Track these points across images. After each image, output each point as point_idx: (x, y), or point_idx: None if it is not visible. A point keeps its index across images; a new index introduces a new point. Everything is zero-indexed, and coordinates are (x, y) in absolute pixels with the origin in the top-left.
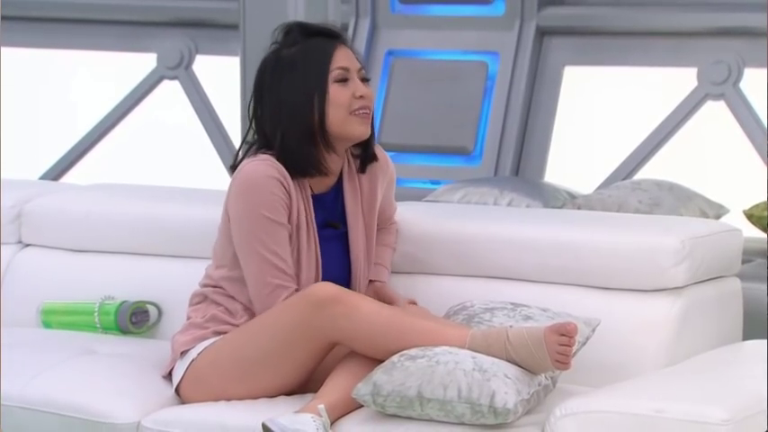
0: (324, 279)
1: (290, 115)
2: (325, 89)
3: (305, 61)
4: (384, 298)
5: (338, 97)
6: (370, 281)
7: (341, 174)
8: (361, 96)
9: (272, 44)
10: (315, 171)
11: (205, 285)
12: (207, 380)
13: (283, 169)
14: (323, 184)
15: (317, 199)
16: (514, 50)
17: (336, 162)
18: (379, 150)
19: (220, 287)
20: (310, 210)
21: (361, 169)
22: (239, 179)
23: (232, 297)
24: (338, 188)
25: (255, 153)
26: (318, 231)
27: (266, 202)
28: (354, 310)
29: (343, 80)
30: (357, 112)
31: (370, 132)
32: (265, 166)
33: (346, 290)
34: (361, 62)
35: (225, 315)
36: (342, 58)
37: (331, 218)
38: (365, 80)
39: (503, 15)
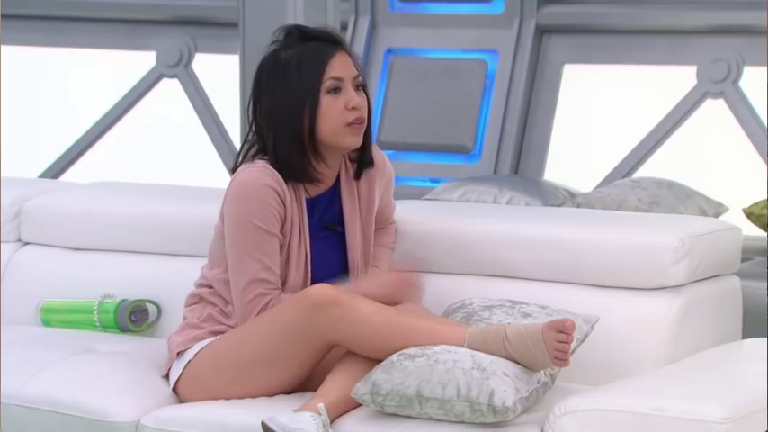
0: (321, 282)
1: (281, 121)
2: (316, 99)
3: (300, 68)
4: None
5: (329, 108)
6: None
7: (338, 176)
8: (353, 108)
9: (271, 44)
10: (305, 178)
11: (200, 285)
12: (205, 380)
13: (278, 176)
14: (319, 188)
15: (313, 201)
16: (514, 49)
17: (328, 170)
18: (376, 151)
19: (215, 287)
20: (303, 214)
21: (357, 175)
22: (234, 186)
23: (224, 298)
24: (335, 191)
25: (253, 157)
26: (315, 234)
27: (258, 210)
28: (352, 311)
29: (336, 90)
30: (352, 125)
31: (361, 142)
32: (260, 174)
33: (345, 291)
34: (359, 68)
35: (220, 315)
36: (337, 67)
37: (328, 220)
38: (361, 86)
39: (502, 13)
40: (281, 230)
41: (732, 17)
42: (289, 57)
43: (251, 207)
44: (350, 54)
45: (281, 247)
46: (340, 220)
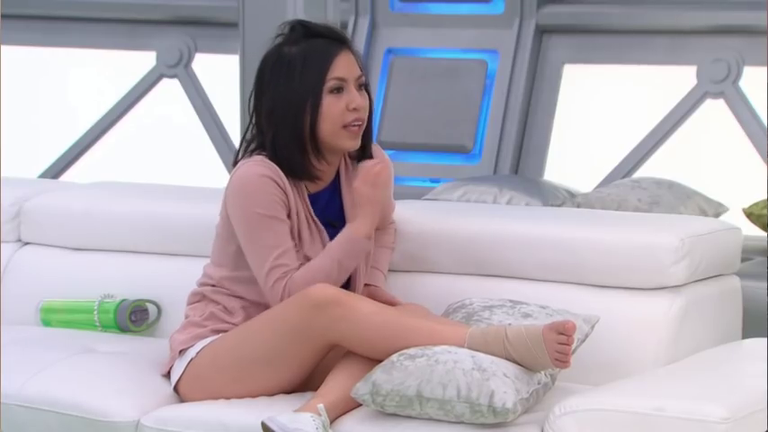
0: None
1: (282, 118)
2: (319, 99)
3: (303, 65)
4: (379, 301)
5: (331, 109)
6: (365, 284)
7: (338, 173)
8: (354, 108)
9: (276, 37)
10: (304, 176)
11: (203, 284)
12: (206, 378)
13: (277, 168)
14: (318, 185)
15: (313, 198)
16: (514, 49)
17: (328, 167)
18: (377, 150)
19: (221, 286)
20: (308, 206)
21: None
22: (234, 182)
23: (233, 296)
24: (335, 187)
25: (251, 153)
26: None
27: (260, 200)
28: (353, 311)
29: (339, 90)
30: (349, 127)
31: (359, 144)
32: (257, 166)
33: (345, 291)
34: (362, 68)
35: (223, 314)
36: (341, 67)
37: (328, 217)
38: (363, 86)
39: (502, 13)
40: (287, 217)
41: (732, 17)
42: (293, 53)
43: (253, 198)
44: (354, 53)
45: (294, 243)
46: (340, 217)
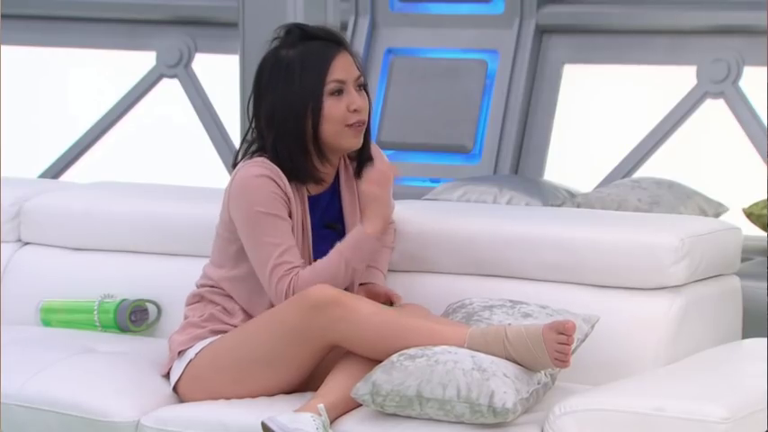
0: None
1: (283, 122)
2: (319, 102)
3: (302, 69)
4: (374, 296)
5: (332, 111)
6: (362, 283)
7: (337, 174)
8: (355, 110)
9: (272, 40)
10: (308, 178)
11: (202, 285)
12: (205, 379)
13: (278, 169)
14: (319, 186)
15: (314, 200)
16: (514, 49)
17: (330, 169)
18: (375, 150)
19: (220, 287)
20: (306, 212)
21: (357, 173)
22: (234, 184)
23: (231, 297)
24: (335, 189)
25: (252, 155)
26: (317, 232)
27: (260, 199)
28: (353, 312)
29: (339, 92)
30: (353, 126)
31: (362, 143)
32: (257, 167)
33: (345, 292)
34: (360, 69)
35: (222, 315)
36: (339, 69)
37: (328, 219)
38: (362, 87)
39: (502, 13)
40: (288, 216)
41: (732, 17)
42: (291, 56)
43: (254, 197)
44: (351, 54)
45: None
46: (340, 219)
